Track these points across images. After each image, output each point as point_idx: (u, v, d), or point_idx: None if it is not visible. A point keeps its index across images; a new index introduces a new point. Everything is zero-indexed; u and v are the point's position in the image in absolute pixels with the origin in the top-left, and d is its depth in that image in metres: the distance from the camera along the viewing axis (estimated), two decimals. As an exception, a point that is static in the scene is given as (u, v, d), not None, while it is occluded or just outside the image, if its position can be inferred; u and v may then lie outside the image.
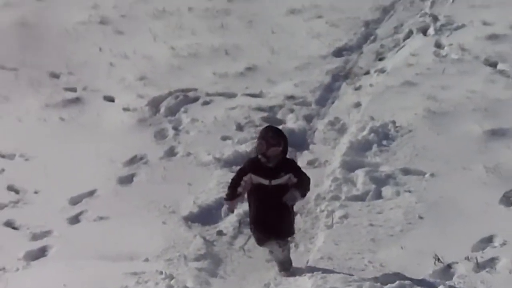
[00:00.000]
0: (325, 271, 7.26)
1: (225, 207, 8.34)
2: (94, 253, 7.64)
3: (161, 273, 7.08)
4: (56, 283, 6.92)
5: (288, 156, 7.36)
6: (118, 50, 12.27)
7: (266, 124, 8.87)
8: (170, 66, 11.79)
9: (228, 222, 8.33)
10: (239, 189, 7.28)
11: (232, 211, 7.84)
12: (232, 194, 7.30)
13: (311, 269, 7.32)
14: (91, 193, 8.86)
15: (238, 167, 7.55)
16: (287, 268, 7.45)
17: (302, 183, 7.24)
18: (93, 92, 11.13)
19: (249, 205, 7.43)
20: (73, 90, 11.21)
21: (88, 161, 9.41)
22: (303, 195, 7.30)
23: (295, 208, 7.50)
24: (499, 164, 8.93)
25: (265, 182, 7.18)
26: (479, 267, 7.29)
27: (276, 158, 7.18)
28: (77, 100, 10.95)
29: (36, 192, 8.99)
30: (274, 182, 7.18)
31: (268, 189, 7.18)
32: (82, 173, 9.17)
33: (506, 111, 9.96)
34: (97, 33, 12.96)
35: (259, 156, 7.23)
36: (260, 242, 7.40)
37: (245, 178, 7.28)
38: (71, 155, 9.57)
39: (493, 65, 11.26)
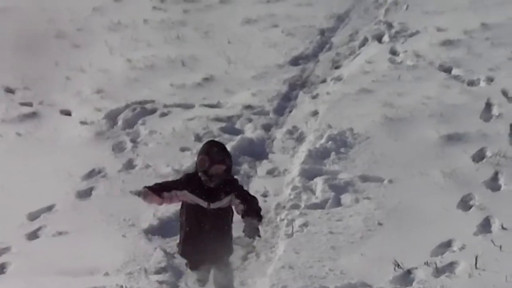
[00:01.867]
0: (286, 280, 7.28)
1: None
2: (53, 269, 7.57)
3: (122, 287, 7.05)
4: (16, 300, 6.85)
5: (230, 175, 6.71)
6: (74, 63, 12.22)
7: (218, 136, 8.92)
8: (127, 79, 11.76)
9: (189, 234, 8.29)
10: (165, 194, 6.61)
11: (144, 198, 6.67)
12: (156, 191, 6.60)
13: (272, 279, 7.33)
14: (50, 208, 8.79)
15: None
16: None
17: (252, 206, 6.58)
18: (49, 107, 11.06)
19: (181, 225, 6.87)
20: (29, 104, 11.13)
21: (46, 176, 9.34)
22: (260, 219, 6.58)
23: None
24: (456, 168, 9.01)
25: (204, 204, 6.61)
26: (439, 271, 7.35)
27: (219, 178, 6.55)
28: (33, 115, 10.87)
29: (-7, 208, 8.90)
30: (213, 205, 6.62)
31: (206, 212, 6.62)
32: (40, 188, 9.10)
33: (461, 116, 10.07)
34: (53, 47, 12.89)
35: (200, 174, 6.57)
36: (195, 266, 6.92)
37: (178, 193, 6.64)
38: (28, 170, 9.49)
39: (448, 70, 11.38)
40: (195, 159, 7.70)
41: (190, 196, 6.61)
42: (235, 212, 6.74)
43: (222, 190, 6.60)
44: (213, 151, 6.58)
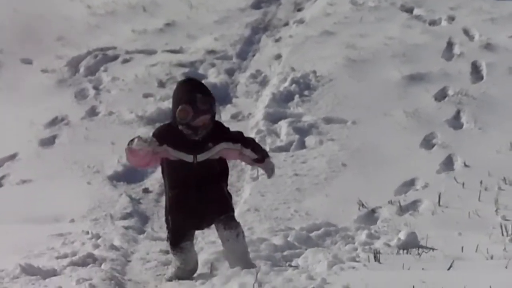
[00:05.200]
0: (252, 222, 7.31)
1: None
2: (18, 217, 7.55)
3: (88, 233, 7.01)
4: (-19, 248, 6.82)
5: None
6: (34, 10, 12.04)
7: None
8: (88, 25, 11.64)
9: (154, 179, 8.30)
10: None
11: (132, 155, 5.58)
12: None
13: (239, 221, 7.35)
14: (13, 157, 8.74)
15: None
16: (249, 261, 5.70)
17: (255, 146, 5.67)
18: (10, 55, 10.93)
19: (166, 188, 5.77)
20: (-11, 53, 11.01)
21: (8, 124, 9.28)
22: (267, 155, 5.75)
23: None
24: (418, 108, 9.07)
25: (188, 158, 5.55)
26: (402, 210, 7.43)
27: (205, 129, 5.50)
28: (-7, 64, 10.75)
29: (-45, 159, 8.83)
30: (200, 157, 5.55)
31: (192, 167, 5.56)
32: (3, 137, 9.04)
33: (423, 56, 10.11)
34: (12, -6, 12.70)
35: (180, 127, 5.50)
36: (189, 234, 5.70)
37: (158, 149, 5.52)
38: (-10, 119, 9.43)
39: (409, 10, 11.38)
40: (169, 105, 7.46)
41: (172, 151, 5.54)
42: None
43: (209, 139, 5.55)
44: (197, 98, 5.45)
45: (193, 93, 5.49)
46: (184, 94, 5.52)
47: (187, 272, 5.79)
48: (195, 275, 5.81)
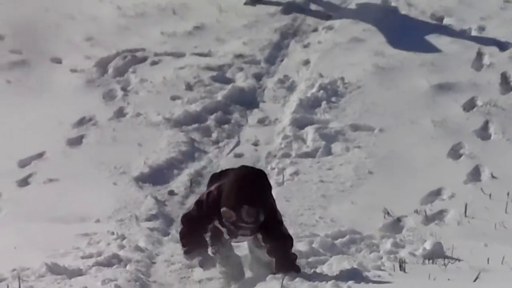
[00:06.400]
0: (277, 227, 7.28)
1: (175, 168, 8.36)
2: (44, 215, 7.58)
3: (113, 233, 7.05)
4: (6, 246, 6.85)
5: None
6: (64, 10, 12.09)
7: (209, 85, 8.84)
8: (117, 26, 11.65)
9: (180, 182, 8.32)
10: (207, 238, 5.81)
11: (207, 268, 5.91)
12: (198, 245, 5.76)
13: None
14: (40, 155, 8.78)
15: (192, 210, 5.94)
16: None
17: (286, 260, 5.64)
18: (39, 54, 10.97)
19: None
20: (19, 52, 11.04)
21: (36, 123, 9.31)
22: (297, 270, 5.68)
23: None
24: (446, 117, 9.03)
25: (226, 236, 5.82)
26: (428, 219, 7.40)
27: (247, 235, 5.67)
28: (23, 62, 10.77)
29: (-17, 155, 8.88)
30: (236, 240, 5.88)
31: (227, 240, 5.89)
32: (31, 136, 9.07)
33: (452, 65, 10.05)
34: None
35: (224, 220, 5.60)
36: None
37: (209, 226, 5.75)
38: (18, 117, 9.45)
39: (439, 19, 11.31)
40: (196, 109, 8.02)
41: (217, 223, 5.73)
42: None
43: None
44: (242, 210, 5.47)
45: (241, 201, 5.45)
46: (232, 197, 5.50)
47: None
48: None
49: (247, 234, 5.62)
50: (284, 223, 7.10)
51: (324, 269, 6.08)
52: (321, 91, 9.69)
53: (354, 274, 5.59)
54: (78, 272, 5.92)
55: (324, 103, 9.51)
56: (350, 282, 5.14)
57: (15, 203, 7.97)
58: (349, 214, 7.56)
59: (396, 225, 7.36)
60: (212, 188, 5.82)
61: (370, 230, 7.22)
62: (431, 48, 10.49)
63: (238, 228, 5.55)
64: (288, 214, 7.55)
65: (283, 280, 5.09)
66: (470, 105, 9.30)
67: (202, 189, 8.13)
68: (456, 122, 8.96)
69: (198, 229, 5.72)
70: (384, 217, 7.44)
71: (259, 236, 5.66)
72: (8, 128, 9.26)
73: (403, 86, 9.72)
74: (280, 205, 7.60)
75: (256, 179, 5.65)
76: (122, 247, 6.64)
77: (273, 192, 7.82)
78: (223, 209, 5.49)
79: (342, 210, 7.63)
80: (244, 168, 5.88)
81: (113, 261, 6.21)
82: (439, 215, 7.47)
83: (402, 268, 5.92)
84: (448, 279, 5.41)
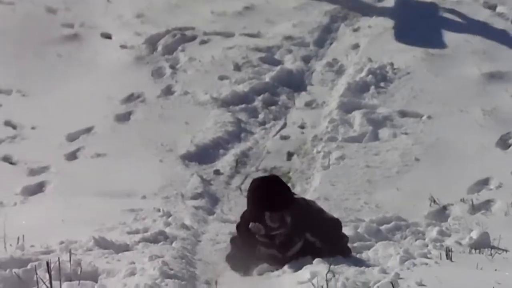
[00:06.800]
0: (322, 211, 7.28)
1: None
2: (91, 190, 7.64)
3: (159, 210, 7.09)
4: (54, 218, 6.92)
5: (296, 200, 5.60)
6: (115, -14, 12.14)
7: (257, 66, 8.76)
8: (168, 4, 11.68)
9: (225, 162, 8.34)
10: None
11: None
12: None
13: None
14: (89, 130, 8.84)
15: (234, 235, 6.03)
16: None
17: (335, 247, 5.60)
18: (90, 29, 11.04)
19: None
20: (71, 26, 11.11)
21: (85, 98, 9.38)
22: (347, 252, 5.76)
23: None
24: (496, 107, 8.95)
25: (279, 255, 5.64)
26: (474, 209, 7.35)
27: (281, 235, 5.55)
28: (74, 37, 10.85)
29: (33, 128, 8.96)
30: (291, 253, 5.65)
31: (283, 260, 5.62)
32: (79, 110, 9.15)
33: (504, 54, 9.96)
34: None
35: (257, 237, 5.57)
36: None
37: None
38: (68, 91, 9.54)
39: (492, 7, 11.21)
40: (244, 89, 8.12)
41: (263, 249, 5.63)
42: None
43: (294, 234, 5.59)
44: (265, 217, 5.46)
45: (261, 209, 5.45)
46: (253, 209, 5.53)
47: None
48: None
49: (288, 242, 5.55)
50: (329, 206, 7.15)
51: (369, 254, 6.07)
52: (370, 76, 9.64)
53: (401, 261, 5.57)
54: (125, 247, 5.95)
55: (372, 88, 9.46)
56: (397, 269, 5.12)
57: (63, 176, 8.05)
58: (394, 201, 7.52)
59: (442, 213, 7.32)
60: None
61: (415, 217, 7.18)
62: (483, 36, 10.39)
63: (273, 238, 5.52)
64: (333, 198, 7.56)
65: (330, 264, 5.08)
66: (520, 95, 9.21)
67: (248, 169, 8.22)
68: (505, 112, 8.87)
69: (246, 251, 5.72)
70: (430, 205, 7.40)
71: (308, 235, 5.61)
72: (58, 102, 9.34)
73: (453, 73, 9.64)
74: (325, 189, 7.68)
75: (268, 185, 5.62)
76: (168, 224, 6.67)
77: (318, 176, 7.93)
78: (250, 226, 5.51)
79: (388, 196, 7.60)
80: (254, 180, 5.86)
81: (159, 237, 6.23)
82: (486, 205, 7.41)
83: (448, 256, 5.88)
84: (496, 270, 5.37)
